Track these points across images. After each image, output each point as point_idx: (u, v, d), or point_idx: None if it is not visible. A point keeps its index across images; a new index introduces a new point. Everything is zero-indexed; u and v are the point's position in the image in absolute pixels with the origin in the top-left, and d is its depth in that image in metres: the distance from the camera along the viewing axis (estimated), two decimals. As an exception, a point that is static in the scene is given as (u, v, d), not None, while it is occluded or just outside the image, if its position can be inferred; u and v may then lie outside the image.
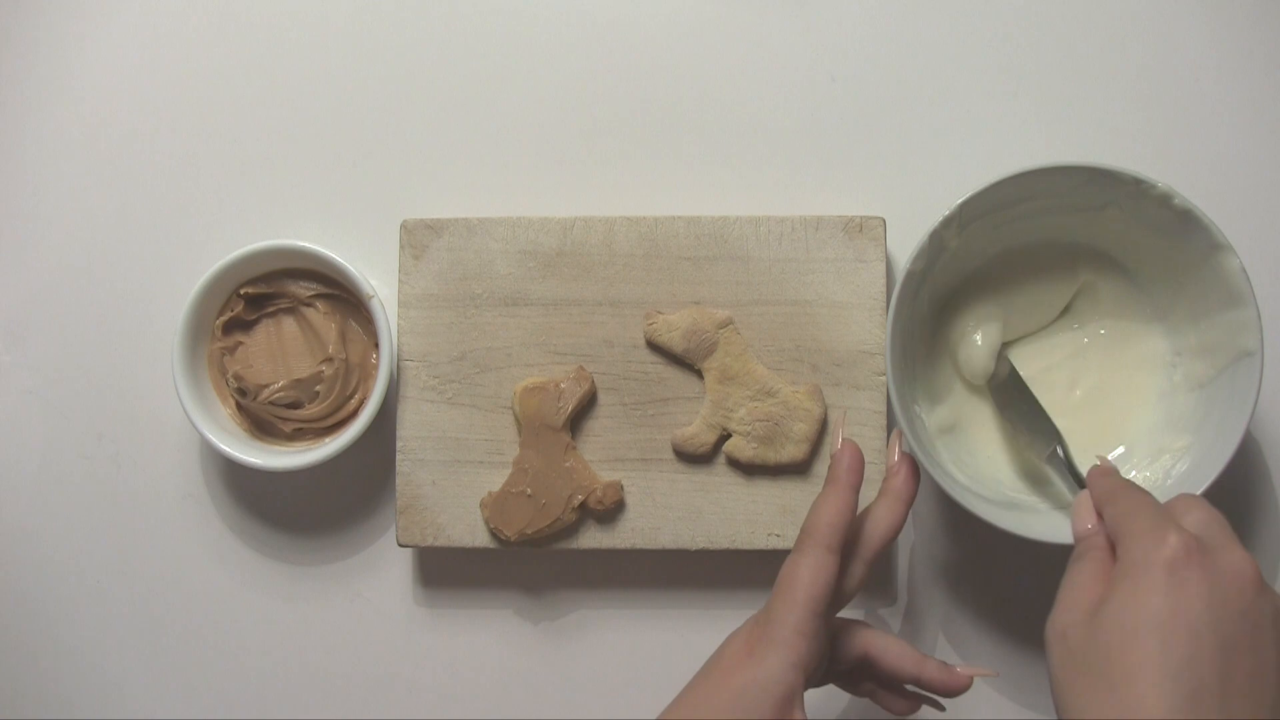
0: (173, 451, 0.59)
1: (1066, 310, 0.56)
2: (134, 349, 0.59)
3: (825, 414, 0.54)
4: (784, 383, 0.54)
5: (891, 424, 0.55)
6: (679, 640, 0.57)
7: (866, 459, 0.54)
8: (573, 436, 0.55)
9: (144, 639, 0.59)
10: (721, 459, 0.55)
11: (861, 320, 0.55)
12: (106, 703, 0.59)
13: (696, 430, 0.55)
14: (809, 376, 0.55)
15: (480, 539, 0.55)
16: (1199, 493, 0.49)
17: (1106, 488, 0.44)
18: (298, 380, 0.55)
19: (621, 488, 0.55)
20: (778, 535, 0.55)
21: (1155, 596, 0.37)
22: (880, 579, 0.57)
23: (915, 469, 0.49)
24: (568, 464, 0.55)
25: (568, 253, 0.56)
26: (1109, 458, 0.54)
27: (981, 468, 0.54)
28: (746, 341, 0.55)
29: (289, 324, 0.57)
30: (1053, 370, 0.56)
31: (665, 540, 0.55)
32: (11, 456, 0.59)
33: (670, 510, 0.55)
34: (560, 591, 0.58)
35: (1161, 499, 0.50)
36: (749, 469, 0.55)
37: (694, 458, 0.55)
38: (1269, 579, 0.56)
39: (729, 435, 0.55)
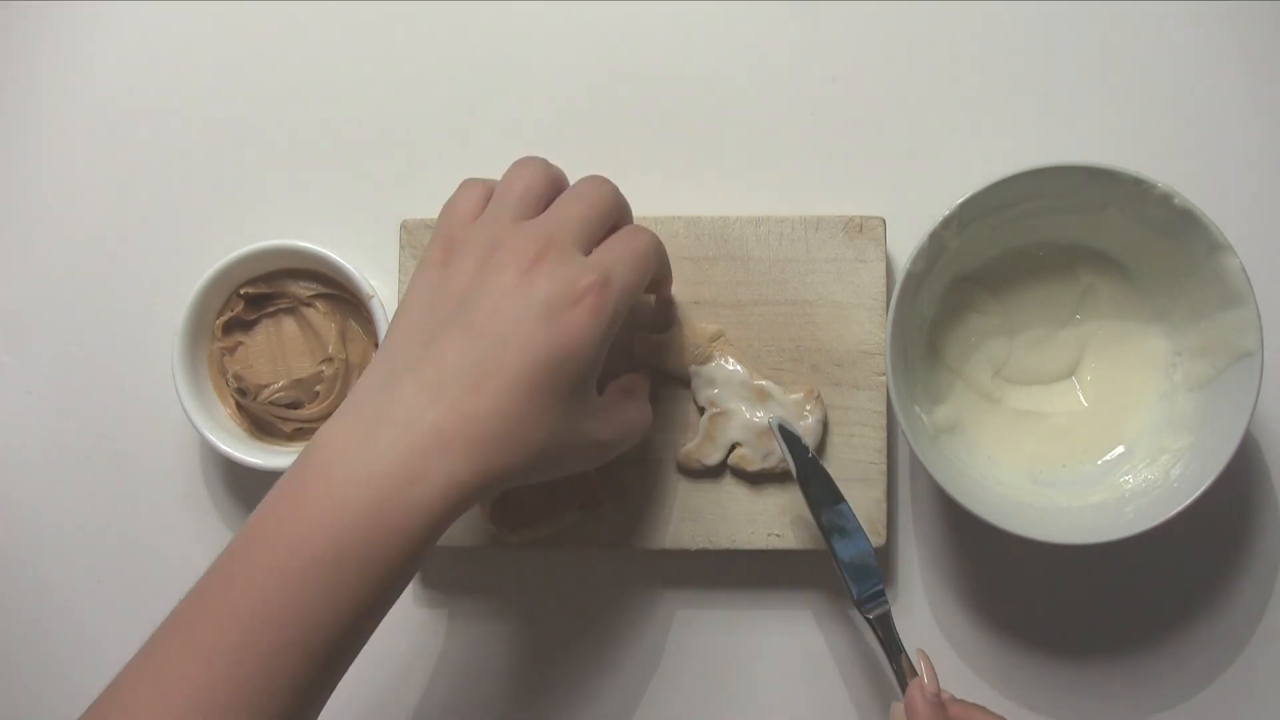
0: (173, 451, 0.59)
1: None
2: (134, 349, 0.59)
3: (825, 416, 0.54)
4: (781, 389, 0.54)
5: (892, 424, 0.55)
6: (679, 640, 0.57)
7: (866, 459, 0.54)
8: (573, 436, 0.55)
9: (144, 639, 0.59)
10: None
11: (861, 320, 0.55)
12: (106, 703, 0.59)
13: (699, 445, 0.54)
14: (809, 376, 0.55)
15: (480, 539, 0.55)
16: (1199, 493, 0.49)
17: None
18: (298, 380, 0.56)
19: (621, 488, 0.55)
20: (778, 535, 0.54)
21: None
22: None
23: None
24: (567, 464, 0.55)
25: (568, 253, 0.56)
26: (1113, 453, 0.54)
27: (981, 468, 0.54)
28: (740, 351, 0.55)
29: (289, 324, 0.57)
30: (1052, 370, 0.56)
31: (665, 540, 0.55)
32: (11, 456, 0.59)
33: (670, 510, 0.55)
34: (560, 592, 0.58)
35: (1163, 499, 0.50)
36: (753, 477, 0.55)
37: (699, 472, 0.55)
38: (1269, 580, 0.57)
39: (733, 446, 0.54)
